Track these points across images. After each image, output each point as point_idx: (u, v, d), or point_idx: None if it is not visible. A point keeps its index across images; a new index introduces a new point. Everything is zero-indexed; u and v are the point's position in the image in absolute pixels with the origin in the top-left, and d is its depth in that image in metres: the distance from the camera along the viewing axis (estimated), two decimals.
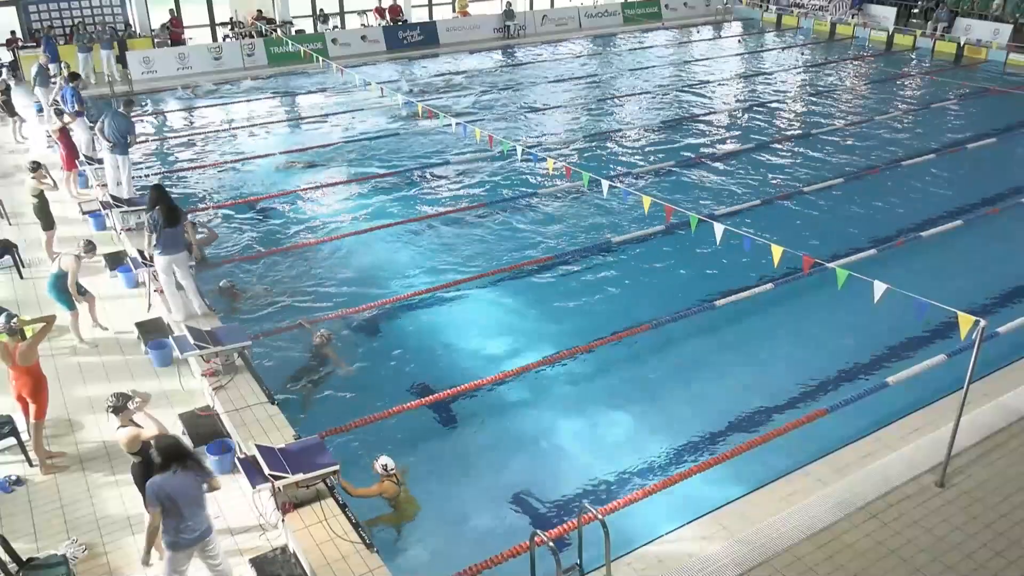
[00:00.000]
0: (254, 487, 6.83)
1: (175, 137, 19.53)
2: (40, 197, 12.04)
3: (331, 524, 6.71)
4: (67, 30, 25.21)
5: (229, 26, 28.47)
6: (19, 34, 24.89)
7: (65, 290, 9.98)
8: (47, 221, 12.11)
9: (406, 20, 30.14)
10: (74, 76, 15.72)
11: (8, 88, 18.79)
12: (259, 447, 7.06)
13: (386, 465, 7.60)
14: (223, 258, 12.95)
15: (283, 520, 6.84)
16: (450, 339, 10.96)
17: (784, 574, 6.69)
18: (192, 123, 20.85)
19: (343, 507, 6.94)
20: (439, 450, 8.85)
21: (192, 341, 8.67)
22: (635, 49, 29.55)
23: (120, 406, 6.76)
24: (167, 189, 10.82)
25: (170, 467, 5.82)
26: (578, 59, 27.80)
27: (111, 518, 7.37)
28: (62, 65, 18.87)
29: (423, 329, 11.21)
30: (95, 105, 19.07)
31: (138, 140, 15.09)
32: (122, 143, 13.10)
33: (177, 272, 10.15)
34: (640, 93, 23.37)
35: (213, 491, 6.20)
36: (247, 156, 17.94)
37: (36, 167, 12.40)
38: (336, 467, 7.03)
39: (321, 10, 29.45)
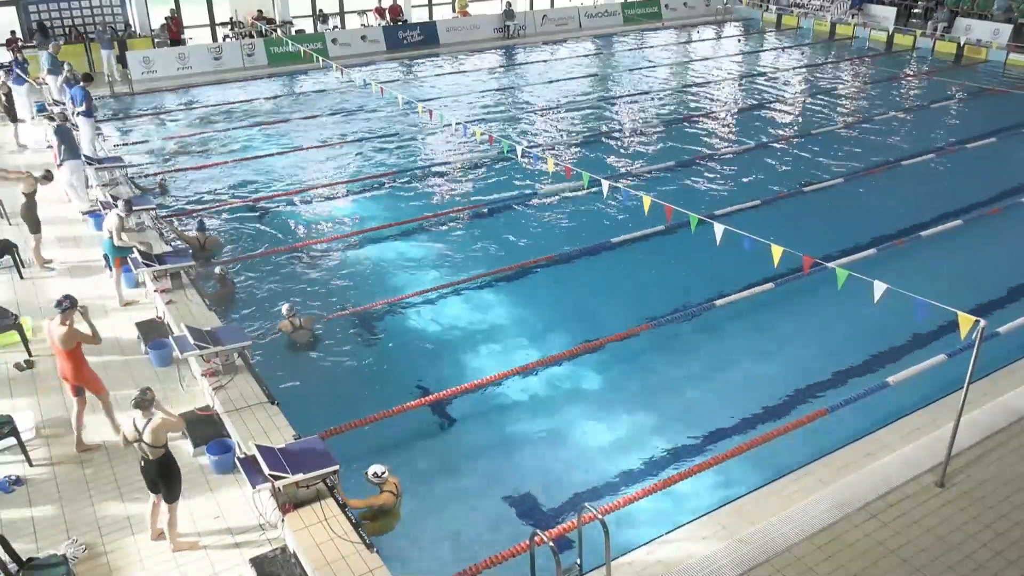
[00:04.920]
0: (254, 487, 6.83)
1: (173, 138, 19.53)
2: (30, 198, 12.04)
3: (331, 524, 6.71)
4: (67, 30, 25.22)
5: (229, 26, 28.46)
6: (19, 34, 24.86)
7: (121, 245, 10.81)
8: (35, 224, 12.10)
9: (406, 20, 30.12)
10: (88, 78, 15.86)
11: (10, 91, 18.75)
12: (259, 447, 7.05)
13: (377, 472, 7.57)
14: (223, 258, 12.96)
15: (283, 520, 6.83)
16: (450, 339, 10.97)
17: (784, 574, 6.69)
18: (190, 123, 20.81)
19: (343, 507, 6.94)
20: (439, 450, 8.85)
21: (192, 341, 8.67)
22: (635, 49, 29.55)
23: (150, 399, 6.82)
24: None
25: None
26: (578, 59, 27.80)
27: (111, 518, 7.36)
28: (65, 65, 18.83)
29: (423, 329, 11.22)
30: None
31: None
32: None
33: None
34: (640, 93, 23.36)
35: None
36: (244, 157, 17.94)
37: (49, 177, 12.54)
38: (336, 467, 7.02)
39: (321, 10, 29.44)
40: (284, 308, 10.71)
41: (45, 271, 12.01)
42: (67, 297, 8.05)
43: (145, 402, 6.76)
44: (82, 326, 8.11)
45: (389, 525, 7.53)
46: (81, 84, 15.57)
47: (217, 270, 11.83)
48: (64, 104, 17.21)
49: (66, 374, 8.08)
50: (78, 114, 15.66)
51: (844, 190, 15.81)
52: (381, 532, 7.38)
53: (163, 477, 6.87)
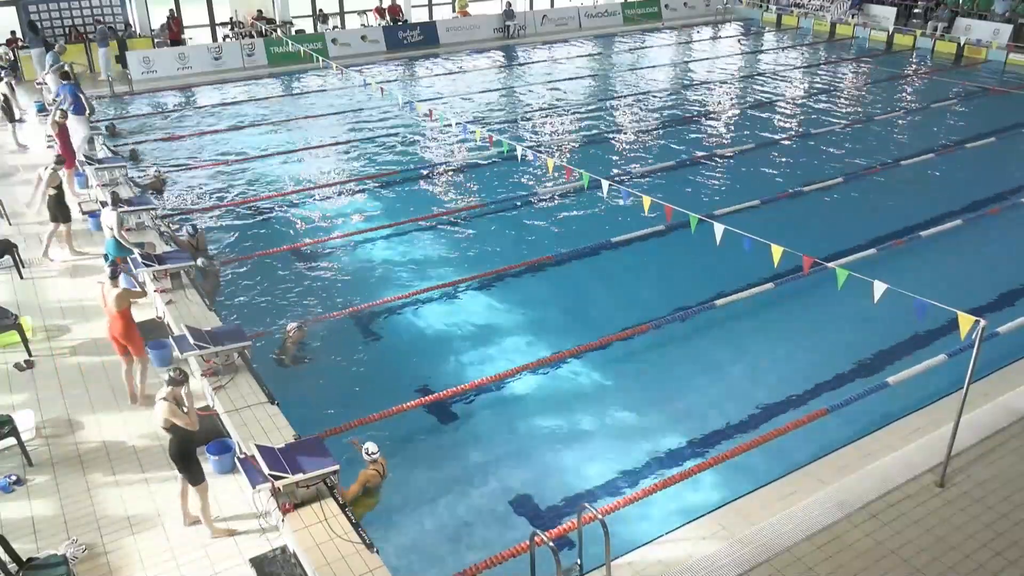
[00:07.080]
0: (254, 487, 6.82)
1: (173, 138, 19.53)
2: (59, 189, 12.17)
3: (331, 524, 6.70)
4: (67, 30, 25.20)
5: (229, 26, 28.45)
6: (19, 34, 24.85)
7: (122, 244, 11.04)
8: (65, 213, 12.20)
9: (406, 20, 30.12)
10: (65, 75, 15.82)
11: (10, 91, 18.75)
12: (259, 447, 7.04)
13: (369, 450, 7.60)
14: (223, 259, 12.96)
15: (283, 520, 6.83)
16: (450, 339, 10.97)
17: (784, 574, 6.69)
18: (190, 123, 20.81)
19: (343, 507, 6.93)
20: (439, 450, 8.85)
21: (192, 341, 8.66)
22: (635, 49, 29.56)
23: (180, 380, 7.07)
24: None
25: None
26: (578, 59, 27.80)
27: (111, 518, 7.36)
28: (64, 65, 18.86)
29: (423, 329, 11.22)
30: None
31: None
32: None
33: None
34: (640, 93, 23.36)
35: None
36: (245, 157, 17.93)
37: (61, 161, 12.75)
38: (336, 467, 7.01)
39: (321, 10, 29.44)
40: (291, 324, 10.61)
41: (45, 271, 12.00)
42: (113, 263, 8.79)
43: (170, 379, 7.06)
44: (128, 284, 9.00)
45: (368, 504, 7.53)
46: (64, 82, 15.55)
47: (199, 262, 11.80)
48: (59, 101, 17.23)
49: (116, 334, 8.80)
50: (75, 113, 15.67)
51: (844, 190, 15.81)
52: (360, 513, 7.41)
53: (178, 457, 7.09)
